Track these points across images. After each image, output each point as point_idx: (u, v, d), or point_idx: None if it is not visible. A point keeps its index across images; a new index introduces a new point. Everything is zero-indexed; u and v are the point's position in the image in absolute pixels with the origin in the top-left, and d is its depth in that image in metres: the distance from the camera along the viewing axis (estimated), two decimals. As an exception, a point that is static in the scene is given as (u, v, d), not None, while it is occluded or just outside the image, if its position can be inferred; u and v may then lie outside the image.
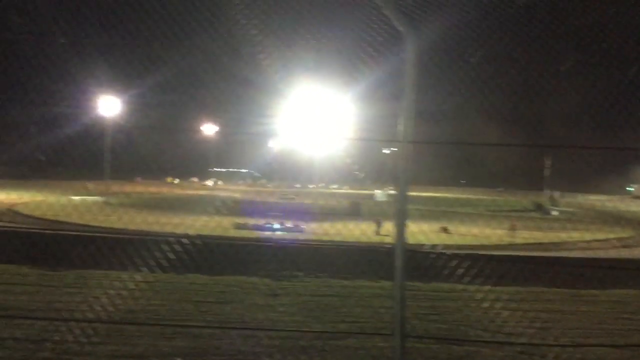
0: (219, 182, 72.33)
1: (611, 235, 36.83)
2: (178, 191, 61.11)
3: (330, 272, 14.64)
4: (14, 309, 8.77)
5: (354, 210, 45.70)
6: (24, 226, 28.23)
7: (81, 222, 32.52)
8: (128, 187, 60.33)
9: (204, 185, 71.79)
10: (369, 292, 12.16)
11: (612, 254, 31.24)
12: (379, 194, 55.97)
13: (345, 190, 67.82)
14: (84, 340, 6.74)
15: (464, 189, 77.86)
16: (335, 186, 70.66)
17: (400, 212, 4.21)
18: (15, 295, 9.88)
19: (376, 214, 35.69)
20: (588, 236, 38.53)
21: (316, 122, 40.41)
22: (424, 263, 10.09)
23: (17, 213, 38.99)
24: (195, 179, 78.19)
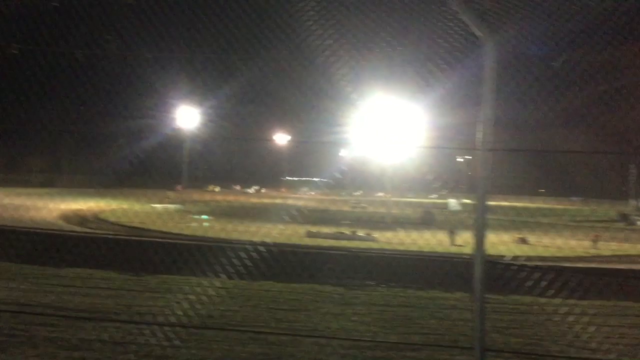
0: (262, 190, 72.84)
1: None
2: (254, 200, 62.45)
3: (404, 282, 14.45)
4: (100, 312, 9.20)
5: (427, 220, 45.01)
6: (110, 233, 29.73)
7: (163, 229, 33.90)
8: (207, 196, 62.25)
9: (246, 192, 72.80)
10: (445, 303, 11.90)
11: None
12: (452, 203, 54.81)
13: (418, 199, 66.95)
14: (165, 343, 6.97)
15: (544, 197, 74.91)
16: (408, 195, 69.89)
17: (480, 221, 4.09)
18: (101, 299, 10.37)
19: (450, 224, 34.99)
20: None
21: (389, 130, 40.22)
22: (505, 275, 9.76)
23: (103, 220, 41.19)
24: (237, 187, 79.30)
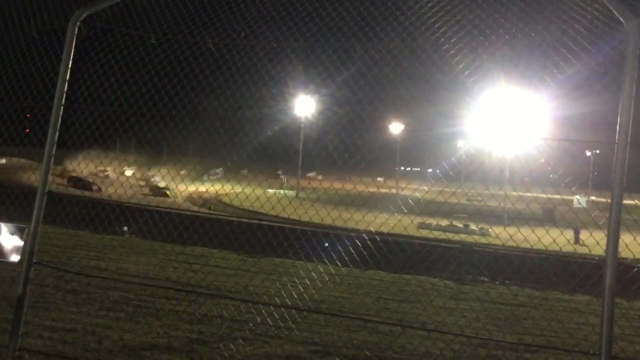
0: (285, 178, 69.48)
1: None
2: (360, 188, 62.22)
3: (518, 280, 13.82)
4: (218, 290, 9.72)
5: (547, 216, 42.61)
6: (232, 215, 31.24)
7: (274, 213, 35.02)
8: (316, 183, 63.44)
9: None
10: (561, 305, 11.25)
11: None
12: (578, 199, 51.38)
13: (538, 194, 63.42)
14: (279, 324, 7.21)
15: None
16: (531, 189, 66.34)
17: (615, 221, 3.78)
18: (220, 277, 10.94)
19: (573, 221, 32.87)
20: None
21: (508, 122, 38.38)
22: (636, 279, 8.99)
23: (224, 203, 43.42)
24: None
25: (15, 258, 5.26)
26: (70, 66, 5.59)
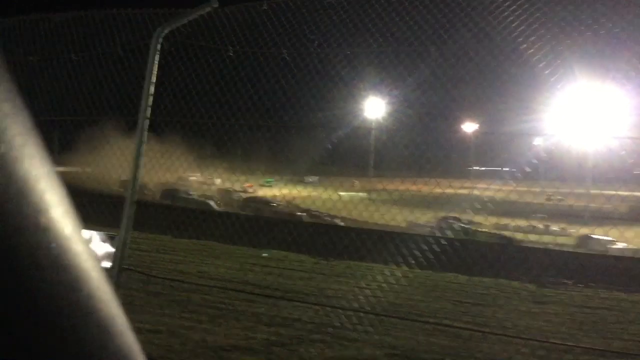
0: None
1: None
2: (437, 190, 61.16)
3: (603, 283, 13.20)
4: (293, 292, 9.88)
5: (635, 215, 40.30)
6: (302, 217, 31.65)
7: (348, 216, 35.09)
8: (390, 185, 62.93)
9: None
10: None
11: None
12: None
13: (624, 192, 59.82)
14: (353, 327, 7.26)
15: None
16: (614, 188, 62.76)
17: None
18: (293, 280, 11.13)
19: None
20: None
21: (591, 118, 36.64)
22: None
23: (295, 205, 44.03)
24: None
25: (106, 264, 5.61)
26: (154, 80, 5.91)
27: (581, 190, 48.30)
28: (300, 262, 13.96)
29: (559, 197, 47.51)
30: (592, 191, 49.44)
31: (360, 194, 48.59)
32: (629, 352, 7.13)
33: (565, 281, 13.60)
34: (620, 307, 10.68)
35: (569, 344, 6.99)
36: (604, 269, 15.23)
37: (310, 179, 48.25)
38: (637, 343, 7.89)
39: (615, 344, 7.79)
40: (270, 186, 49.39)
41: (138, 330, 0.64)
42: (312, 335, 7.22)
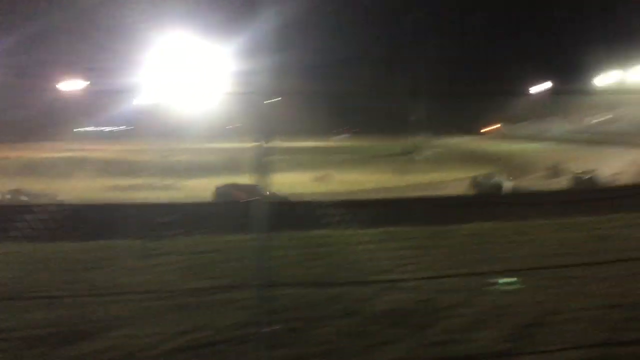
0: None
1: (472, 174, 38.85)
2: (40, 155, 55.48)
3: (213, 228, 14.17)
4: None
5: (233, 164, 45.06)
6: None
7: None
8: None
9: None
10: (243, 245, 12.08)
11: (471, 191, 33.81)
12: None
13: (223, 144, 64.95)
14: None
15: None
16: (214, 142, 67.80)
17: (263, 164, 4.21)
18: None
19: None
20: (451, 176, 41.21)
21: (187, 75, 38.78)
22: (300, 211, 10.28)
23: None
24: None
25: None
26: None
27: (187, 146, 51.33)
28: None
29: (166, 154, 49.37)
30: (196, 146, 53.16)
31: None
32: (234, 285, 7.89)
33: (177, 232, 14.14)
34: (227, 248, 11.66)
35: (169, 290, 7.44)
36: (211, 216, 16.58)
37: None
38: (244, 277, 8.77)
39: (224, 281, 8.56)
40: None
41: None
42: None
